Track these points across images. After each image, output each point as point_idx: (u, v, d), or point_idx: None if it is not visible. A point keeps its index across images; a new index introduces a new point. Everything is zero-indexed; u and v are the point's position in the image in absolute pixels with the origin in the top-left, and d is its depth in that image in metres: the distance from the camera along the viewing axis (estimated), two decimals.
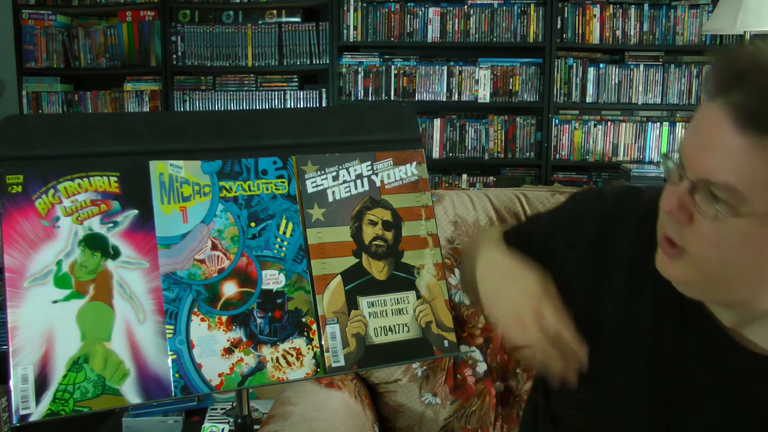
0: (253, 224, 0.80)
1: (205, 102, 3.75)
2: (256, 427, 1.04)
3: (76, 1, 3.79)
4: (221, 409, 1.90)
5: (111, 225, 0.75)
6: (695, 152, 0.70)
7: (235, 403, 0.92)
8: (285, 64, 3.68)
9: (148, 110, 3.73)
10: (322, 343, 0.79)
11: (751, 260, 0.69)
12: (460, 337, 1.36)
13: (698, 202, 0.69)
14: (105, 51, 3.81)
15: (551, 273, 0.85)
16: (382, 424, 1.39)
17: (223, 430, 1.72)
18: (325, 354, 0.79)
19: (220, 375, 0.76)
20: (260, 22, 3.73)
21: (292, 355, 0.78)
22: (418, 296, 0.84)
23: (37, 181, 0.74)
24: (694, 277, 0.73)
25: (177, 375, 0.74)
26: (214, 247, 0.78)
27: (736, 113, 0.65)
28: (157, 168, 0.78)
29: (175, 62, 3.74)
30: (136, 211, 0.76)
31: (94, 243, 0.74)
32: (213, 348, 0.76)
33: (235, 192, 0.80)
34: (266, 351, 0.79)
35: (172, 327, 0.74)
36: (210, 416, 1.86)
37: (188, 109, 3.71)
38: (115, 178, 0.76)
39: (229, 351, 0.77)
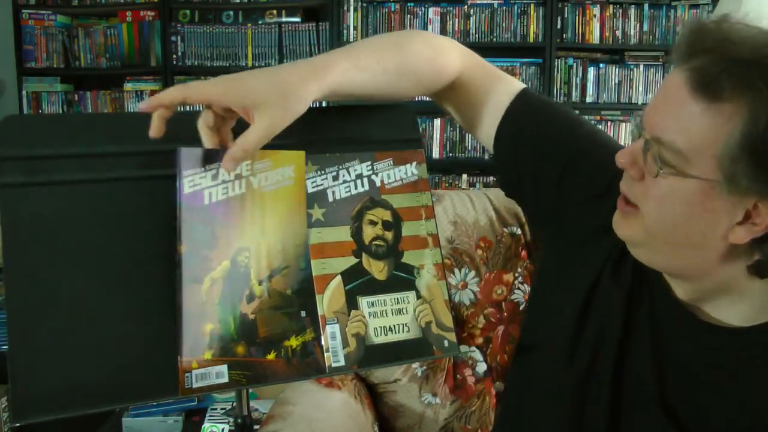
0: None
1: None
2: (256, 427, 1.04)
3: (76, 1, 3.79)
4: (221, 409, 1.90)
5: None
6: (653, 111, 0.74)
7: (234, 403, 0.92)
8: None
9: None
10: (322, 343, 0.79)
11: (690, 223, 0.72)
12: (460, 337, 1.36)
13: (647, 159, 0.73)
14: (105, 51, 3.81)
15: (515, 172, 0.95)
16: (381, 424, 1.39)
17: (223, 430, 1.72)
18: (325, 354, 0.79)
19: None
20: (260, 22, 3.73)
21: None
22: (418, 296, 0.84)
23: None
24: (641, 236, 0.76)
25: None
26: None
27: (693, 77, 0.69)
28: None
29: (175, 62, 3.74)
30: None
31: None
32: None
33: None
34: None
35: None
36: (210, 416, 1.86)
37: (188, 110, 3.70)
38: None
39: None
